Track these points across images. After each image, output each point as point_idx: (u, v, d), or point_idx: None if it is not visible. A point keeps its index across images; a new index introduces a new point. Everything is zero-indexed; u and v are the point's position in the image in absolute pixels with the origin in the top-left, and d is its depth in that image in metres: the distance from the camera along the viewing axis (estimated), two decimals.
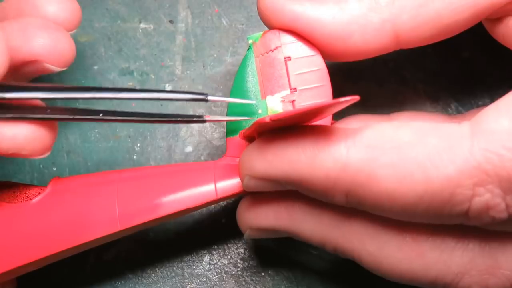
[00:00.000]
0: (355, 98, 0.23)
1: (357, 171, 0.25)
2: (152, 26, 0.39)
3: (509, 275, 0.27)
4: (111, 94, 0.28)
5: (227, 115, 0.32)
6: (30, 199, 0.31)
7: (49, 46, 0.28)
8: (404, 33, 0.29)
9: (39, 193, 0.31)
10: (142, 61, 0.39)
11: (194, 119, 0.29)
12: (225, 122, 0.32)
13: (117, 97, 0.28)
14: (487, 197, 0.24)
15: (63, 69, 0.29)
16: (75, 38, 0.39)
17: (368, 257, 0.28)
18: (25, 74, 0.30)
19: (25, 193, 0.31)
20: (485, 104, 0.37)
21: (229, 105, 0.32)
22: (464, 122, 0.25)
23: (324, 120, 0.30)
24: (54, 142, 0.28)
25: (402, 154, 0.25)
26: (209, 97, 0.29)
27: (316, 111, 0.26)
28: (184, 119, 0.29)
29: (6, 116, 0.27)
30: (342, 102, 0.24)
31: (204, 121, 0.30)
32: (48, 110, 0.27)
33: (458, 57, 0.38)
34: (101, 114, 0.28)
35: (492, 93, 0.37)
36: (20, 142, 0.27)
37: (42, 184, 0.32)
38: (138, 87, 0.39)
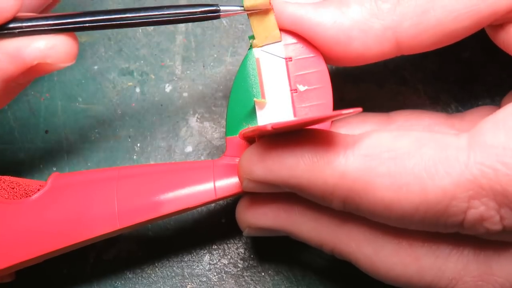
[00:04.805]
0: (358, 109, 0.24)
1: (355, 179, 0.26)
2: (152, 26, 0.39)
3: (502, 282, 0.27)
4: (117, 15, 0.29)
5: (227, 114, 0.32)
6: (29, 195, 0.31)
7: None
8: (406, 40, 0.29)
9: (38, 190, 0.31)
10: (142, 61, 0.39)
11: (209, 14, 0.29)
12: (224, 123, 0.32)
13: (122, 17, 0.29)
14: (481, 210, 0.25)
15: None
16: None
17: (364, 260, 0.29)
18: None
19: (24, 189, 0.31)
20: (485, 104, 0.37)
21: (228, 105, 0.32)
22: (463, 134, 0.26)
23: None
24: (77, 50, 0.29)
25: (399, 165, 0.25)
26: (221, 7, 0.29)
27: (318, 121, 0.26)
28: (198, 15, 0.29)
29: (26, 30, 0.28)
30: (344, 114, 0.24)
31: (219, 17, 0.29)
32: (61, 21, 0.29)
33: (458, 57, 0.38)
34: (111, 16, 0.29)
35: (492, 93, 0.37)
36: (43, 49, 0.28)
37: None
38: (138, 87, 0.39)
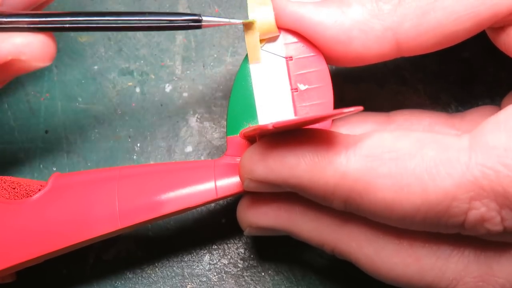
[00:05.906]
0: (359, 108, 0.24)
1: (356, 180, 0.26)
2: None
3: (502, 283, 0.27)
4: (97, 17, 0.29)
5: (228, 113, 0.32)
6: (30, 195, 0.31)
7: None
8: (406, 42, 0.29)
9: (39, 190, 0.31)
10: (142, 61, 0.39)
11: (190, 23, 0.29)
12: (225, 123, 0.32)
13: (104, 19, 0.29)
14: (482, 211, 0.25)
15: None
16: (75, 38, 0.39)
17: (365, 260, 0.29)
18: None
19: (25, 190, 0.31)
20: (485, 104, 0.37)
21: (229, 104, 0.32)
22: (464, 135, 0.26)
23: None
24: (54, 51, 0.29)
25: (400, 165, 0.25)
26: (204, 17, 0.29)
27: (319, 120, 0.26)
28: (180, 24, 0.29)
29: (5, 27, 0.28)
30: (345, 113, 0.24)
31: (200, 27, 0.29)
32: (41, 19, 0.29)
33: (458, 57, 0.38)
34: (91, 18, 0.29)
35: (492, 93, 0.37)
36: (19, 45, 0.28)
37: None
38: (138, 87, 0.38)
